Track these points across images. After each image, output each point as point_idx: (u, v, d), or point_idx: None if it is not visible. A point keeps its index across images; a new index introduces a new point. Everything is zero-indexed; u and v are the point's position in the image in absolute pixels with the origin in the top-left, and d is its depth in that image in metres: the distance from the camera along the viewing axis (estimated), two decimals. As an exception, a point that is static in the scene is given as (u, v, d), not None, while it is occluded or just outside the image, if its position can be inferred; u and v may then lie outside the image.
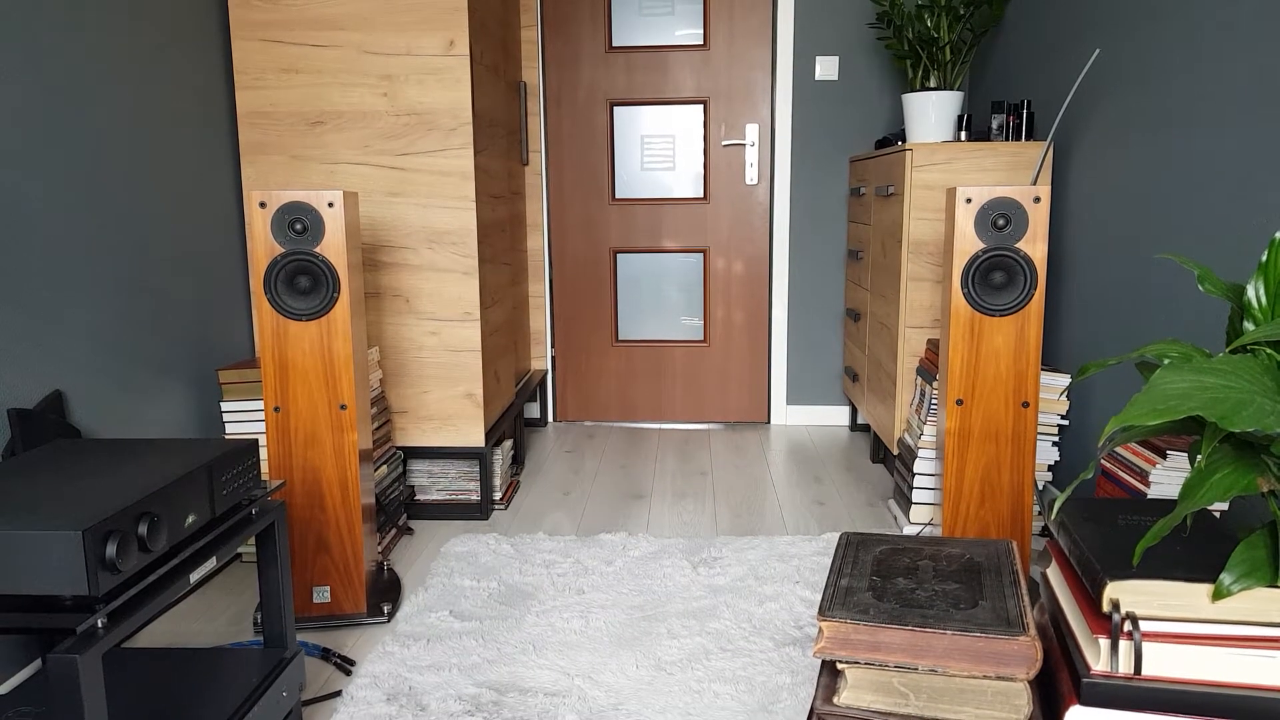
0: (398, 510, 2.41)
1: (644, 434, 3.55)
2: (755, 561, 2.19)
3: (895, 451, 2.60)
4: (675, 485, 2.87)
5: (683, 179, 3.56)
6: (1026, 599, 1.22)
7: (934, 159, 2.53)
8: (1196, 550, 1.15)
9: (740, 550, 2.26)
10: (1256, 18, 1.67)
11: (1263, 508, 1.49)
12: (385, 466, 2.35)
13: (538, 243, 3.55)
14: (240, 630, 1.90)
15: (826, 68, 3.40)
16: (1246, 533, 1.12)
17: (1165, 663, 1.07)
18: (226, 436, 2.23)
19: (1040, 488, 2.37)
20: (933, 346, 2.50)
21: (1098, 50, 2.26)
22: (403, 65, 2.36)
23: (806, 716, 1.55)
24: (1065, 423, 2.35)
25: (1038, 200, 1.83)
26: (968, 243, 1.86)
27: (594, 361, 3.70)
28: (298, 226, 1.78)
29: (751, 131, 3.49)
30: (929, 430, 2.31)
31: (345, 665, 1.75)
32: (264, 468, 2.14)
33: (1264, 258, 1.15)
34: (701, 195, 3.56)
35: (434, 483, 2.58)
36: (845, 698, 1.20)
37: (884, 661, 1.17)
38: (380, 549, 2.25)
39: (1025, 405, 1.91)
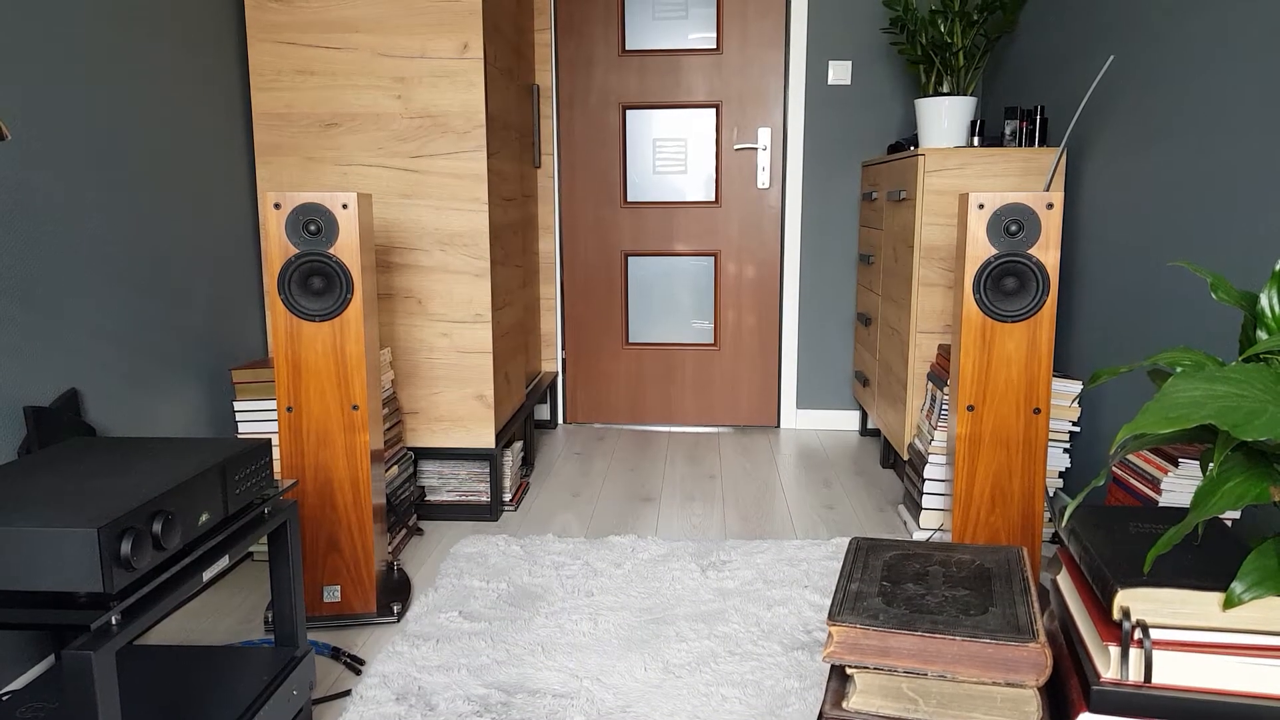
0: (408, 510, 2.42)
1: (653, 436, 3.55)
2: (764, 565, 2.19)
3: (905, 457, 2.60)
4: (684, 488, 2.88)
5: (694, 182, 3.57)
6: (1036, 605, 1.22)
7: (946, 164, 2.52)
8: (1208, 559, 1.15)
9: (749, 554, 2.26)
10: (1271, 26, 1.66)
11: (1275, 516, 1.48)
12: (396, 467, 2.36)
13: (549, 245, 3.56)
14: (251, 629, 1.92)
15: (839, 72, 3.40)
16: (1258, 541, 1.11)
17: (1175, 671, 1.07)
18: (239, 436, 2.24)
19: (1051, 494, 2.36)
20: (944, 352, 2.49)
21: (1112, 57, 2.26)
22: (416, 68, 2.37)
23: (814, 721, 1.55)
24: (1076, 429, 2.34)
25: (1050, 206, 1.83)
26: (980, 248, 1.86)
27: (604, 364, 3.70)
28: (312, 228, 1.79)
29: (764, 135, 3.49)
30: (939, 436, 2.31)
31: (355, 665, 1.75)
32: (276, 467, 2.15)
33: (1277, 266, 1.14)
34: (713, 199, 3.56)
35: (444, 483, 2.59)
36: (854, 703, 1.20)
37: (893, 667, 1.17)
38: (390, 549, 2.26)
39: (1036, 411, 1.90)
